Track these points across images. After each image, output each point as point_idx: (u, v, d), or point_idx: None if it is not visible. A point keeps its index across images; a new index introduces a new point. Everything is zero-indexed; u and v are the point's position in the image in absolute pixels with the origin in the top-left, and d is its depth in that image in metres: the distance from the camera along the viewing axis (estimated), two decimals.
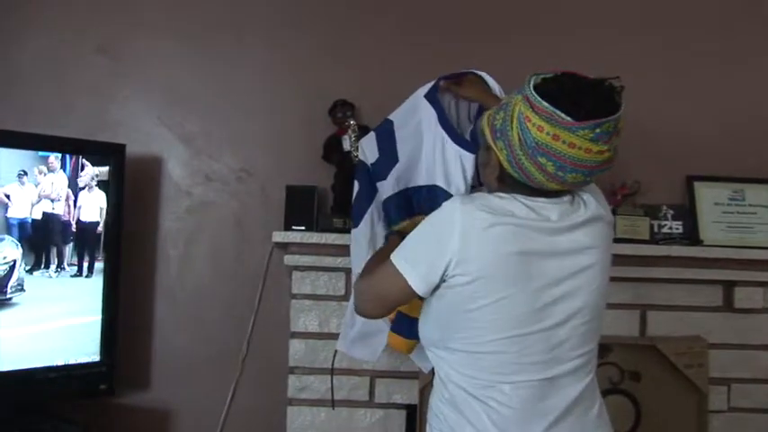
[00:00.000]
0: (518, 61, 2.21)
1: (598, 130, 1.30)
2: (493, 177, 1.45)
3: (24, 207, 1.95)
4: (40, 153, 2.05)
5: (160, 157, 2.48)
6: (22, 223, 1.97)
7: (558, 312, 1.39)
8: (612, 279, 2.24)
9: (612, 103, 1.33)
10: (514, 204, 1.38)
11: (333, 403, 2.17)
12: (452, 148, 1.78)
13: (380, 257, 1.59)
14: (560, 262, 1.39)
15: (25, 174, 1.97)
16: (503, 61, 2.20)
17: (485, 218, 1.35)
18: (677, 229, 2.43)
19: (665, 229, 2.42)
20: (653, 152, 2.48)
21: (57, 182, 1.99)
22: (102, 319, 2.24)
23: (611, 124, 1.32)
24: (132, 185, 2.34)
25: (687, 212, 2.45)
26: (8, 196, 1.91)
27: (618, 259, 2.22)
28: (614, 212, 2.36)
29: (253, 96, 2.48)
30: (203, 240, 2.49)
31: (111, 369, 2.26)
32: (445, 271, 1.37)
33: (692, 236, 2.41)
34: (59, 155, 2.00)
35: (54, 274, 2.08)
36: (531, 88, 1.34)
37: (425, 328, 1.51)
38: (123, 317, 2.31)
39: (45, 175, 1.92)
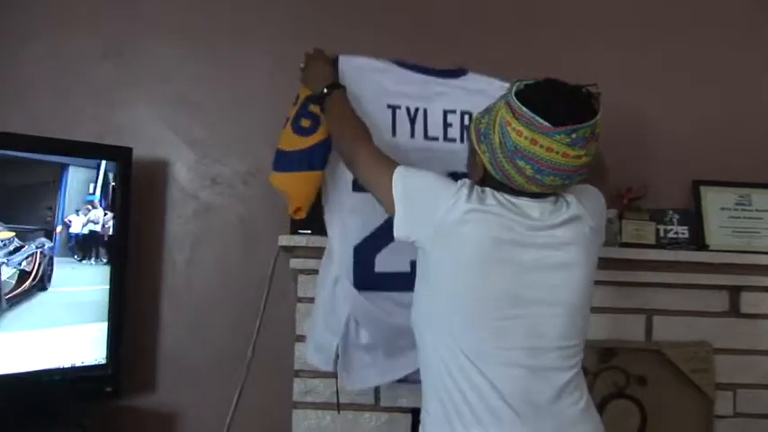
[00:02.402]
0: (520, 62, 2.22)
1: (574, 135, 1.35)
2: (477, 179, 1.52)
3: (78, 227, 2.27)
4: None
5: (166, 161, 2.49)
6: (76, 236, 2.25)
7: (535, 302, 1.44)
8: (618, 283, 2.29)
9: (590, 109, 1.38)
10: (497, 197, 1.45)
11: (338, 407, 2.17)
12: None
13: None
14: (538, 253, 1.44)
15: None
16: (505, 62, 2.21)
17: (470, 202, 1.42)
18: (683, 233, 2.42)
19: (671, 234, 2.42)
20: (659, 156, 2.49)
21: (98, 214, 2.28)
22: (108, 322, 2.24)
23: (588, 130, 1.37)
24: (139, 189, 2.35)
25: (693, 217, 2.44)
26: (70, 221, 2.23)
27: (623, 264, 2.26)
28: (620, 217, 2.36)
29: (259, 99, 2.49)
30: (209, 244, 2.50)
31: (117, 371, 2.27)
32: (420, 238, 1.47)
33: (698, 241, 2.41)
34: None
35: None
36: (513, 95, 1.40)
37: (416, 314, 1.55)
38: (129, 319, 2.32)
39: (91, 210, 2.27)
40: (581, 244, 1.48)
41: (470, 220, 1.41)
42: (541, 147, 1.36)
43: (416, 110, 1.97)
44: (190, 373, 2.45)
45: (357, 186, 1.84)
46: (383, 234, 1.82)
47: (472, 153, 1.54)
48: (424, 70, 2.00)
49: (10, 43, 2.45)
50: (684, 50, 2.53)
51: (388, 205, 1.51)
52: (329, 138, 1.82)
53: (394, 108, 1.96)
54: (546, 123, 1.35)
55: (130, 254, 2.32)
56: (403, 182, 1.49)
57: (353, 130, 1.69)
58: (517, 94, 1.40)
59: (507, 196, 1.46)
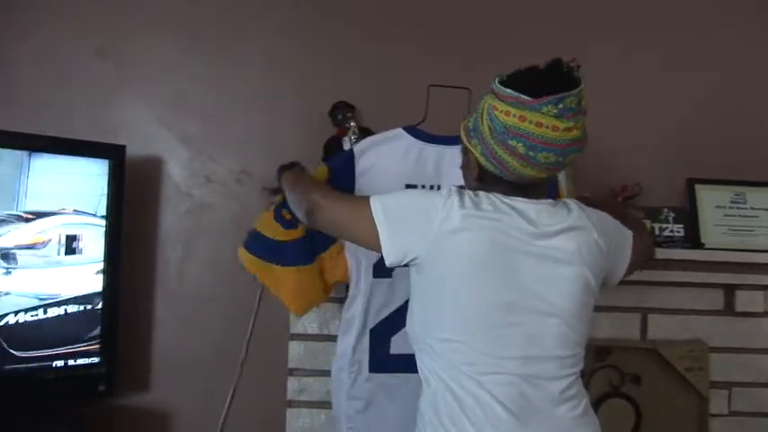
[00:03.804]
0: (518, 60, 2.22)
1: (561, 106, 1.36)
2: (472, 178, 1.51)
3: None
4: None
5: (160, 159, 2.48)
6: None
7: (532, 311, 1.42)
8: None
9: (572, 78, 1.40)
10: (492, 201, 1.44)
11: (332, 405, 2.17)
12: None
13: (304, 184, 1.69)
14: (536, 261, 1.42)
15: None
16: (503, 61, 2.20)
17: (464, 208, 1.41)
18: (678, 232, 2.42)
19: (666, 232, 2.42)
20: (654, 155, 2.48)
21: None
22: (102, 320, 2.23)
23: (574, 99, 1.37)
24: (132, 186, 2.34)
25: (688, 215, 2.44)
26: None
27: None
28: None
29: (253, 98, 2.48)
30: (203, 242, 2.48)
31: (111, 370, 2.26)
32: (418, 254, 1.43)
33: (693, 239, 2.41)
34: None
35: None
36: (496, 82, 1.43)
37: (411, 322, 1.54)
38: (122, 318, 2.31)
39: None
40: (581, 254, 1.45)
41: (467, 226, 1.39)
42: (530, 122, 1.37)
43: (431, 188, 1.93)
44: (184, 371, 2.44)
45: (378, 272, 1.89)
46: (401, 316, 1.83)
47: (465, 153, 1.54)
48: (436, 140, 1.96)
49: (5, 40, 2.44)
50: (680, 49, 2.52)
51: (368, 237, 1.46)
52: (306, 237, 1.89)
53: (411, 188, 1.95)
54: (530, 98, 1.36)
55: (123, 252, 2.31)
56: (383, 206, 1.46)
57: (309, 182, 1.72)
58: (499, 83, 1.43)
59: (502, 197, 1.44)
